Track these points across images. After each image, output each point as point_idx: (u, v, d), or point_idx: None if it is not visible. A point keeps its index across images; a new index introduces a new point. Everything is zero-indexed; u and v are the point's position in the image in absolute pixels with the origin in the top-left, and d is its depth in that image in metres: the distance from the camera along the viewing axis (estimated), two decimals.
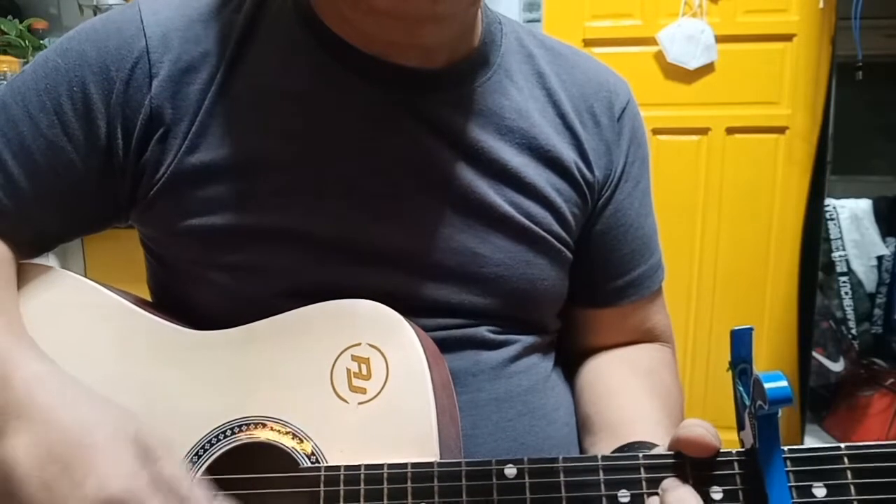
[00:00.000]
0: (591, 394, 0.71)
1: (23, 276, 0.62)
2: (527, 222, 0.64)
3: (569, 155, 0.67)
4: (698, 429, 0.48)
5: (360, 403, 0.54)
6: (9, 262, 0.60)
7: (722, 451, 0.48)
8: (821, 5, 1.95)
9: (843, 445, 0.46)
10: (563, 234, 0.67)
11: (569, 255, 0.69)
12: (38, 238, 0.64)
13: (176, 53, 0.60)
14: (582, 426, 0.70)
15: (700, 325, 2.12)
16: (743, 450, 0.48)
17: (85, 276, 0.63)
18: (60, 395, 0.51)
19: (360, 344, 0.55)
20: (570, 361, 0.77)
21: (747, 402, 0.47)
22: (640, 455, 0.50)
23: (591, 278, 0.72)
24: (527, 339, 0.67)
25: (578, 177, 0.67)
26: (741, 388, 0.48)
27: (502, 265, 0.64)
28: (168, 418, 0.57)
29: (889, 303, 2.14)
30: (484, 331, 0.64)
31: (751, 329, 0.48)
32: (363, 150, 0.61)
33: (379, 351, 0.55)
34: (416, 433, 0.53)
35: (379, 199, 0.61)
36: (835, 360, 2.17)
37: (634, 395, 0.68)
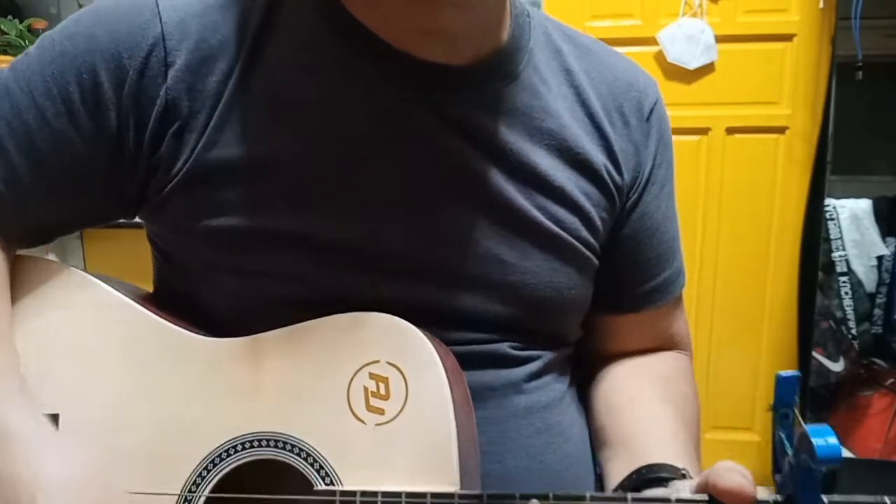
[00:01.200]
0: (608, 403, 0.69)
1: (26, 272, 0.60)
2: (555, 229, 0.61)
3: (598, 157, 0.64)
4: (736, 476, 0.46)
5: (377, 425, 0.52)
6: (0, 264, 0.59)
7: (759, 499, 0.46)
8: (821, 5, 1.95)
9: (888, 499, 0.44)
10: (592, 240, 0.64)
11: (595, 261, 0.66)
12: (38, 228, 0.62)
13: (194, 41, 0.56)
14: (596, 436, 0.68)
15: (700, 325, 2.12)
16: (780, 498, 0.46)
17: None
18: (29, 455, 0.50)
19: (378, 361, 0.53)
20: (587, 366, 0.75)
21: (789, 451, 0.45)
22: (674, 499, 0.48)
23: (617, 283, 0.69)
24: (547, 355, 0.65)
25: (608, 180, 0.65)
26: (782, 434, 0.47)
27: (529, 273, 0.61)
28: (176, 428, 0.55)
29: (889, 303, 2.13)
30: (506, 347, 0.62)
31: (798, 375, 0.47)
32: (385, 150, 0.58)
33: (398, 369, 0.52)
34: (435, 458, 0.51)
35: (400, 203, 0.58)
36: (835, 360, 2.17)
37: (651, 407, 0.66)
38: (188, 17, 0.57)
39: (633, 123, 0.67)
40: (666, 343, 0.75)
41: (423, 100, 0.58)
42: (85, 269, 0.61)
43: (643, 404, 0.67)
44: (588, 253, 0.64)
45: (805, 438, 0.42)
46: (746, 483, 0.46)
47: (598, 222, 0.65)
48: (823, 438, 0.41)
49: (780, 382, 0.47)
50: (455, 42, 0.59)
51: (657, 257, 0.70)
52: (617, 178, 0.65)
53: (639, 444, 0.62)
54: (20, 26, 2.22)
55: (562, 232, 0.62)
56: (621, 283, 0.70)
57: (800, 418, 0.46)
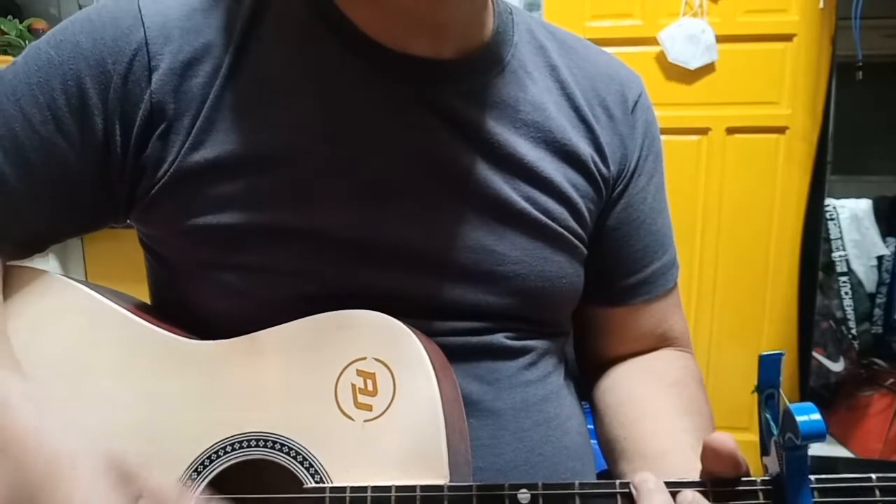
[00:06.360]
0: (620, 414, 0.68)
1: (17, 281, 0.60)
2: (543, 218, 0.63)
3: (585, 149, 0.65)
4: (731, 442, 0.47)
5: (365, 421, 0.52)
6: None
7: (746, 479, 0.47)
8: (821, 5, 1.94)
9: (874, 476, 0.45)
10: (579, 229, 0.65)
11: (584, 250, 0.67)
12: (30, 238, 0.62)
13: (177, 45, 0.57)
14: (612, 449, 0.68)
15: (700, 325, 2.12)
16: (768, 478, 0.47)
17: (85, 276, 0.61)
18: (30, 422, 0.49)
19: (365, 358, 0.53)
20: (587, 370, 0.75)
21: (774, 431, 0.45)
22: (661, 481, 0.48)
23: (604, 275, 0.70)
24: (542, 346, 0.66)
25: (595, 171, 0.66)
26: (768, 415, 0.47)
27: (519, 263, 0.62)
28: (167, 431, 0.56)
29: (889, 303, 2.14)
30: (501, 337, 0.62)
31: (781, 354, 0.47)
32: (376, 143, 0.59)
33: (385, 366, 0.53)
34: (424, 452, 0.51)
35: (392, 195, 0.59)
36: (835, 360, 2.17)
37: (668, 420, 0.66)
38: (171, 22, 0.58)
39: (617, 116, 0.68)
40: (663, 340, 0.75)
41: (414, 93, 0.60)
42: (85, 272, 0.61)
43: (659, 418, 0.66)
44: (576, 242, 0.65)
45: (789, 416, 0.42)
46: (739, 451, 0.47)
47: (586, 212, 0.66)
48: (807, 415, 0.41)
49: (764, 362, 0.47)
50: (442, 36, 0.61)
51: (644, 249, 0.71)
52: (604, 169, 0.67)
53: (659, 462, 0.61)
54: (20, 26, 2.22)
55: (550, 222, 0.63)
56: (609, 275, 0.71)
57: (784, 398, 0.45)
